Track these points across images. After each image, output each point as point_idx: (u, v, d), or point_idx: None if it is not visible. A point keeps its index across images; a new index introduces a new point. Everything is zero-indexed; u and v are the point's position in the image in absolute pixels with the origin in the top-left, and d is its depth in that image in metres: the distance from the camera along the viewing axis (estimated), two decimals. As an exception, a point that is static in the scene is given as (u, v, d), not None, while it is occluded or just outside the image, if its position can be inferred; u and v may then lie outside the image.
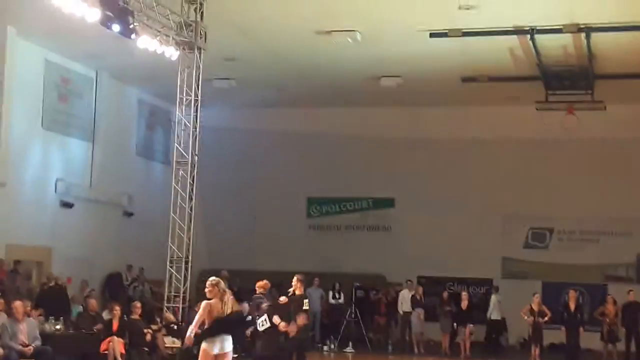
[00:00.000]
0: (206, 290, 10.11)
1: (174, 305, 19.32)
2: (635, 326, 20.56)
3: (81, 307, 17.84)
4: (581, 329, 20.41)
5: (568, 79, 20.76)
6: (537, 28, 17.64)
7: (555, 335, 22.86)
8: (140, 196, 23.72)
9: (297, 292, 13.11)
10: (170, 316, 18.29)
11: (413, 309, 22.34)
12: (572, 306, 20.65)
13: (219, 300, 10.01)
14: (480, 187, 25.32)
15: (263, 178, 26.80)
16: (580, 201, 24.60)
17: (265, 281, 15.27)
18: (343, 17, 17.81)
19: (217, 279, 10.20)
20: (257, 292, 15.15)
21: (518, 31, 18.07)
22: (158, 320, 17.88)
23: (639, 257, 24.56)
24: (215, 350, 9.89)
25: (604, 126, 23.81)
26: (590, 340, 21.20)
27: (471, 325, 21.52)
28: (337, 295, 23.27)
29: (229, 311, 9.92)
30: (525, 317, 20.95)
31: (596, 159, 24.65)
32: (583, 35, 17.71)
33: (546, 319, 20.92)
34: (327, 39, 18.54)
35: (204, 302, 10.16)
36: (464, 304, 21.67)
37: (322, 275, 23.79)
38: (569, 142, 24.16)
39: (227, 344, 9.98)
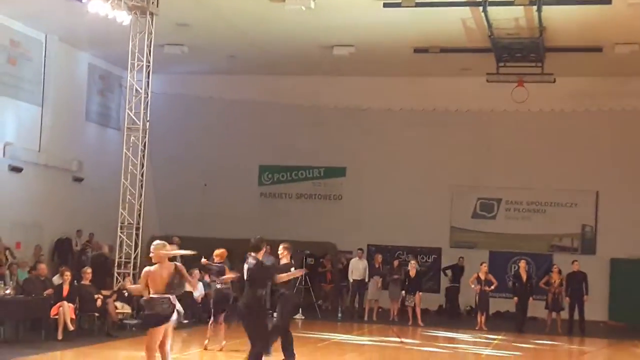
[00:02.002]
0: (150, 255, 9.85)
1: (124, 271, 19.34)
2: (578, 295, 21.06)
3: (27, 272, 17.65)
4: (531, 298, 20.95)
5: (519, 51, 21.00)
6: (490, 0, 17.80)
7: (502, 304, 23.42)
8: (91, 161, 23.54)
9: (284, 261, 13.16)
10: (128, 283, 18.23)
11: (372, 276, 22.62)
12: (524, 276, 21.10)
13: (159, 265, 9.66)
14: (430, 157, 25.60)
15: (215, 145, 26.74)
16: (527, 172, 25.02)
17: (222, 250, 15.29)
18: (297, -16, 17.76)
19: (160, 242, 9.88)
20: (216, 261, 15.15)
21: (470, 2, 18.22)
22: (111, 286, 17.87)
23: (583, 227, 25.09)
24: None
25: (553, 99, 24.20)
26: (535, 308, 21.70)
27: (420, 292, 21.84)
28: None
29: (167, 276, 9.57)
30: (472, 286, 21.36)
31: (544, 131, 25.05)
32: (534, 8, 17.91)
33: (492, 287, 21.39)
34: (280, 7, 18.48)
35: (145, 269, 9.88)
36: (412, 272, 21.98)
37: (272, 243, 23.83)
38: (518, 114, 24.49)
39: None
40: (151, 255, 9.73)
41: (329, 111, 26.09)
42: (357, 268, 22.85)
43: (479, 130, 25.40)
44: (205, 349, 14.81)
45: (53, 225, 21.97)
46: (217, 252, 15.28)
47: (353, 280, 22.90)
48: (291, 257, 13.68)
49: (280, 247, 13.39)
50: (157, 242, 9.89)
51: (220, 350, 14.65)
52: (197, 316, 19.93)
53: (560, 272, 21.41)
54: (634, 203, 24.28)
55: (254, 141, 26.66)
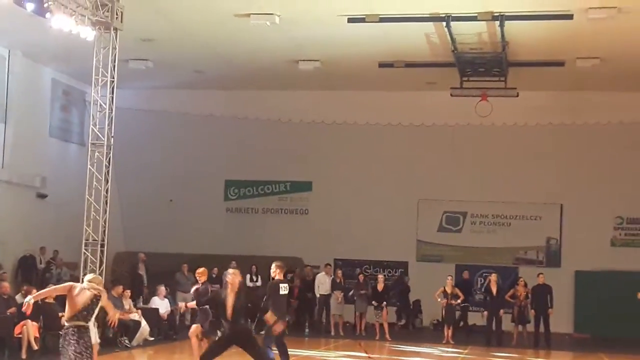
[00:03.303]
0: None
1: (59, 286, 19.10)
2: (543, 308, 21.19)
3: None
4: (502, 311, 21.03)
5: (482, 65, 21.19)
6: (453, 15, 17.94)
7: (468, 317, 23.49)
8: (55, 178, 23.29)
9: (278, 278, 13.24)
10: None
11: (332, 291, 22.61)
12: (494, 290, 21.19)
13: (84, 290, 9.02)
14: (395, 172, 25.69)
15: (180, 160, 26.62)
16: (492, 186, 25.20)
17: (203, 268, 15.16)
18: (262, 0, 17.78)
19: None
20: (200, 280, 15.01)
21: (434, 18, 18.35)
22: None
23: (548, 240, 25.30)
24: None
25: (517, 113, 24.41)
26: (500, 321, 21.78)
27: (387, 307, 21.85)
28: (254, 278, 23.31)
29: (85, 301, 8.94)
30: (439, 300, 21.42)
31: (509, 144, 25.27)
32: (497, 23, 18.09)
33: (459, 301, 21.49)
34: (245, 22, 18.48)
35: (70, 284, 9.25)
36: (380, 286, 22.00)
37: (239, 258, 23.82)
38: (483, 128, 24.68)
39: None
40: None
41: (295, 125, 26.09)
42: (324, 283, 22.84)
43: (444, 144, 25.55)
44: None
45: (16, 243, 21.69)
46: (199, 270, 15.12)
47: (320, 295, 22.88)
48: (284, 275, 13.78)
49: (273, 265, 13.46)
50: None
51: None
52: (162, 333, 19.81)
53: (525, 285, 21.54)
54: (598, 216, 24.56)
55: (220, 156, 26.58)
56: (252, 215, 26.93)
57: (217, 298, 11.40)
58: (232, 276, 11.29)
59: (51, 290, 9.59)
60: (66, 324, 8.93)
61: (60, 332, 9.15)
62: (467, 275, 23.52)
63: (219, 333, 12.78)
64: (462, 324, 22.96)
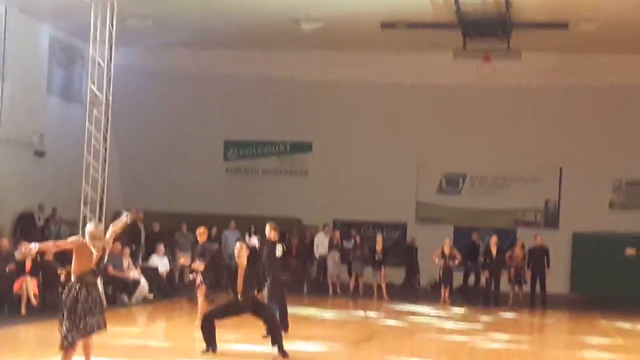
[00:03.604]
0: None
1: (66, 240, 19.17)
2: (540, 270, 21.29)
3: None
4: (502, 272, 21.12)
5: (485, 27, 21.01)
6: (456, -26, 17.77)
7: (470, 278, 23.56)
8: (53, 136, 23.21)
9: (272, 239, 13.38)
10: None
11: (329, 251, 22.68)
12: (494, 251, 21.24)
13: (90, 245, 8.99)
14: (396, 133, 25.63)
15: (179, 120, 26.52)
16: (492, 148, 25.17)
17: (204, 228, 15.04)
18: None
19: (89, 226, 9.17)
20: (200, 241, 14.97)
21: (437, -23, 18.18)
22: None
23: (547, 202, 25.34)
24: None
25: (519, 75, 24.29)
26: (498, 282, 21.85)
27: (384, 267, 21.92)
28: (255, 241, 23.34)
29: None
30: (437, 261, 21.49)
31: (510, 106, 25.20)
32: (501, -18, 17.93)
33: (457, 262, 21.54)
34: (247, -21, 18.30)
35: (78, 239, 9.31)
36: (379, 248, 22.04)
37: (238, 218, 23.87)
38: (484, 90, 24.60)
39: None
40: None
41: (295, 86, 25.97)
42: (323, 243, 22.92)
43: (445, 106, 25.46)
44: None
45: (14, 200, 21.66)
46: (200, 230, 15.04)
47: (319, 255, 22.97)
48: (280, 236, 13.89)
49: (267, 226, 13.57)
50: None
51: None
52: (162, 291, 19.90)
53: (523, 246, 21.61)
54: (596, 178, 24.57)
55: (220, 116, 26.49)
56: (252, 176, 26.91)
57: (229, 270, 11.59)
58: (239, 252, 11.56)
59: (60, 244, 9.60)
60: (74, 278, 8.90)
61: (66, 286, 9.14)
62: (476, 237, 23.19)
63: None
64: (471, 283, 22.84)
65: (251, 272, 11.64)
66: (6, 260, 16.15)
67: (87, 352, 9.21)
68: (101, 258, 8.98)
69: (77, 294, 8.79)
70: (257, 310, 11.52)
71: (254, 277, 11.71)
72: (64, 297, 8.93)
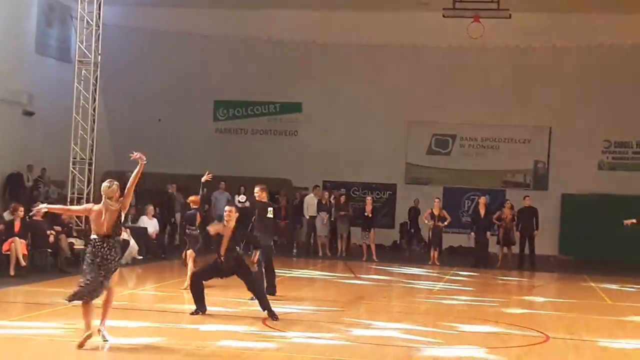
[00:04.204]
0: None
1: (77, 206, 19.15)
2: (529, 231, 21.36)
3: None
4: (488, 233, 21.19)
5: (475, -15, 20.89)
6: None
7: (455, 239, 23.72)
8: (42, 95, 23.04)
9: (262, 200, 13.39)
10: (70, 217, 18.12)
11: (318, 212, 22.69)
12: (482, 212, 21.30)
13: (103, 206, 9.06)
14: (386, 93, 25.56)
15: (169, 80, 26.36)
16: (482, 108, 25.15)
17: (195, 197, 15.12)
18: None
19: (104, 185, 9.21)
20: (191, 207, 15.05)
21: None
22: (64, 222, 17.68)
23: (536, 164, 25.39)
24: None
25: (508, 34, 24.20)
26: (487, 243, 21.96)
27: (374, 229, 21.98)
28: (242, 199, 23.34)
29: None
30: (426, 222, 21.56)
31: (500, 67, 25.14)
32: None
33: (446, 223, 21.59)
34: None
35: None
36: (368, 209, 22.06)
37: (228, 179, 23.82)
38: (474, 50, 24.49)
39: None
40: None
41: (285, 46, 25.82)
42: (312, 205, 22.92)
43: (434, 66, 25.38)
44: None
45: (3, 160, 21.57)
46: (191, 198, 15.21)
47: (309, 216, 22.99)
48: (269, 197, 13.89)
49: (257, 188, 13.53)
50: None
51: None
52: (151, 252, 19.90)
53: (512, 207, 21.67)
54: (585, 140, 24.62)
55: (209, 76, 26.32)
56: (241, 136, 26.84)
57: (214, 235, 11.65)
58: (229, 216, 11.58)
59: (68, 210, 9.63)
60: (94, 236, 9.00)
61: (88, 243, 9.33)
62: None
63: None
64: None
65: (237, 234, 11.63)
66: (-6, 221, 16.10)
67: (104, 308, 9.37)
68: (117, 220, 9.02)
69: (89, 254, 8.99)
70: (241, 273, 11.54)
71: (240, 240, 11.70)
72: (87, 256, 9.10)
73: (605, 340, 11.18)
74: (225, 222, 11.66)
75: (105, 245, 8.93)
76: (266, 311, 11.39)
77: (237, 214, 11.80)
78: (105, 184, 9.16)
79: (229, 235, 11.49)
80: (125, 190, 9.23)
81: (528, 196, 22.02)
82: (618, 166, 24.86)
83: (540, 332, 11.43)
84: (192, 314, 11.47)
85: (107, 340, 9.22)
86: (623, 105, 24.44)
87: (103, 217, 8.93)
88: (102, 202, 9.05)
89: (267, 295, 12.58)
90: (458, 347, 10.13)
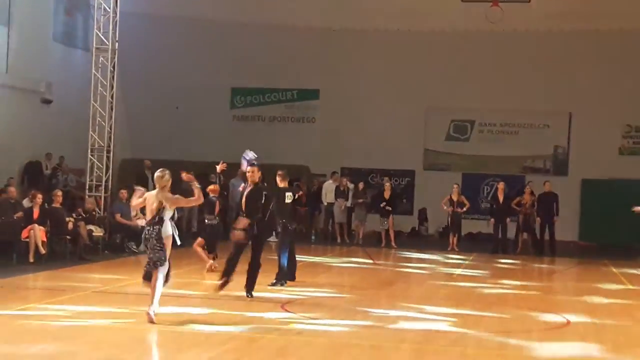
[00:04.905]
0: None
1: (96, 194, 19.23)
2: (549, 216, 21.18)
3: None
4: (508, 219, 21.05)
5: (494, -30, 20.72)
6: None
7: (474, 225, 23.60)
8: (59, 83, 23.03)
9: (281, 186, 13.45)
10: (90, 204, 18.17)
11: (336, 199, 22.62)
12: (501, 198, 21.16)
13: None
14: (404, 79, 25.41)
15: (186, 67, 26.30)
16: (501, 94, 24.95)
17: (216, 185, 15.29)
18: None
19: (157, 174, 9.90)
20: (210, 196, 15.13)
21: None
22: (80, 209, 17.72)
23: (556, 149, 25.19)
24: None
25: (528, 19, 24.00)
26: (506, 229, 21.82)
27: (392, 215, 21.88)
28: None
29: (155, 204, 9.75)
30: (445, 207, 21.44)
31: (518, 52, 24.92)
32: None
33: (465, 209, 21.47)
34: None
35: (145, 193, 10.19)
36: (387, 194, 21.95)
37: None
38: (493, 35, 24.31)
39: None
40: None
41: (301, 32, 25.71)
42: (331, 191, 22.85)
43: (453, 51, 25.20)
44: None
45: (22, 149, 21.61)
46: (211, 187, 15.34)
47: (327, 203, 22.93)
48: (289, 184, 13.87)
49: (277, 176, 13.56)
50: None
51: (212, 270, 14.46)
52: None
53: (532, 193, 21.50)
54: (606, 124, 24.38)
55: (227, 63, 26.27)
56: (259, 124, 26.80)
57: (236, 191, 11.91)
58: (252, 174, 11.85)
59: (136, 203, 10.36)
60: (144, 222, 10.11)
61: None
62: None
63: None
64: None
65: (255, 194, 11.70)
66: (14, 208, 16.15)
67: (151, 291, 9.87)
68: (159, 209, 9.71)
69: (147, 238, 9.81)
70: (255, 243, 11.61)
71: (259, 199, 11.73)
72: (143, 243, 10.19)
73: (626, 323, 11.08)
74: (249, 180, 11.77)
75: (151, 230, 9.72)
76: (247, 291, 11.60)
77: (260, 173, 11.84)
78: (157, 174, 9.84)
79: (249, 192, 11.64)
80: (178, 199, 10.03)
81: (548, 181, 21.82)
82: (639, 151, 24.62)
83: (561, 316, 11.34)
84: (216, 289, 11.55)
85: (153, 322, 9.55)
86: (644, 90, 24.17)
87: (153, 205, 9.72)
88: (155, 191, 9.79)
89: (288, 282, 12.69)
90: (477, 331, 10.05)
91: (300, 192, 14.13)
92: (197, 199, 10.25)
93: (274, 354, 8.64)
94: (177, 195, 10.01)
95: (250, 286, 11.79)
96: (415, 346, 9.17)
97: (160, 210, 9.69)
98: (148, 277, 9.89)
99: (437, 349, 9.10)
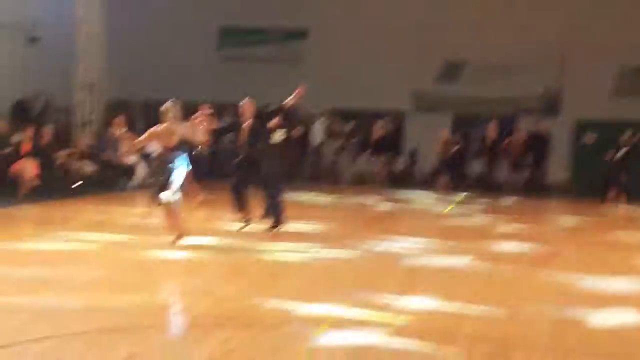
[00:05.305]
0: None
1: (84, 130, 19.14)
2: (540, 156, 21.18)
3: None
4: (499, 159, 21.03)
5: None
6: None
7: (465, 166, 23.54)
8: (46, 20, 22.69)
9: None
10: (85, 140, 18.09)
11: (326, 140, 22.55)
12: (492, 137, 21.09)
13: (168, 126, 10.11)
14: (394, 18, 25.12)
15: (173, 6, 25.93)
16: (494, 33, 24.68)
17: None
18: None
19: (168, 105, 10.30)
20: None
21: None
22: (74, 145, 17.66)
23: (549, 89, 25.06)
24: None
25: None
26: (497, 170, 21.85)
27: (384, 155, 21.89)
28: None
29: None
30: (436, 149, 21.39)
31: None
32: None
33: (456, 149, 21.42)
34: None
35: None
36: (378, 134, 21.88)
37: (233, 108, 23.54)
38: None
39: None
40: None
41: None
42: (320, 132, 22.77)
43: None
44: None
45: (9, 88, 21.37)
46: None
47: (316, 144, 22.85)
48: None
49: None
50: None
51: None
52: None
53: (523, 132, 21.46)
54: (600, 64, 24.16)
55: (214, 1, 25.90)
56: (246, 64, 26.52)
57: (235, 126, 11.94)
58: (245, 107, 11.76)
59: (150, 134, 10.23)
60: (155, 154, 10.53)
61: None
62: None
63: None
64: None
65: (256, 126, 11.58)
66: (4, 143, 16.02)
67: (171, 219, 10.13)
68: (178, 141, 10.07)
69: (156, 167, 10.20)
70: (262, 168, 11.49)
71: (260, 129, 11.64)
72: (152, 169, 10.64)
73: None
74: (245, 115, 11.69)
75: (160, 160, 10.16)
76: (271, 219, 11.45)
77: (253, 107, 11.71)
78: (169, 104, 10.30)
79: (248, 126, 11.55)
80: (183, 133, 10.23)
81: (540, 122, 21.75)
82: (634, 91, 24.49)
83: (548, 246, 11.42)
84: (239, 229, 11.43)
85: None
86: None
87: (171, 135, 10.03)
88: (164, 124, 10.11)
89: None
90: (467, 260, 10.06)
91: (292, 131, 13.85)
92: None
93: (270, 273, 8.69)
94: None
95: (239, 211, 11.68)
96: (405, 271, 9.21)
97: (179, 140, 10.04)
98: (156, 201, 10.06)
99: (430, 273, 9.15)
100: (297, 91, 11.97)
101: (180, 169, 9.99)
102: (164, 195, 9.90)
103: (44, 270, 8.32)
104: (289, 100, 11.96)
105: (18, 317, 6.29)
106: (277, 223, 11.64)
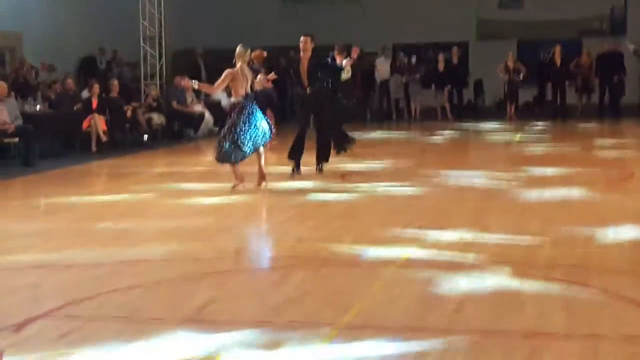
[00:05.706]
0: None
1: (151, 82, 19.39)
2: (608, 76, 20.65)
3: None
4: (567, 83, 20.59)
5: None
6: None
7: (532, 94, 23.19)
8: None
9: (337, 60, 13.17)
10: (154, 91, 18.35)
11: (392, 75, 22.38)
12: (558, 61, 20.62)
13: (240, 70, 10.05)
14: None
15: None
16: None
17: (259, 50, 14.74)
18: None
19: (240, 50, 10.22)
20: (254, 63, 14.78)
21: None
22: (148, 97, 17.95)
23: (612, 9, 24.38)
24: None
25: None
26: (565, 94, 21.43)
27: (448, 87, 21.68)
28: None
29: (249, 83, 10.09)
30: (501, 75, 21.07)
31: None
32: None
33: (522, 75, 21.02)
34: None
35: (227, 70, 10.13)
36: (441, 67, 21.66)
37: (296, 50, 23.53)
38: None
39: None
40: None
41: None
42: (384, 68, 22.58)
43: None
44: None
45: (74, 45, 21.63)
46: (255, 53, 14.67)
47: (380, 80, 22.70)
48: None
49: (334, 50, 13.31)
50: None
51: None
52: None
53: (589, 54, 20.94)
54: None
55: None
56: (307, 6, 26.41)
57: (293, 64, 11.72)
58: (304, 45, 11.51)
59: (218, 84, 10.29)
60: (234, 99, 10.10)
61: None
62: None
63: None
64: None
65: (316, 63, 11.42)
66: (73, 100, 16.36)
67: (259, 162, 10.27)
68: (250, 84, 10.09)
69: (235, 116, 9.91)
70: (326, 107, 11.40)
71: (320, 67, 11.49)
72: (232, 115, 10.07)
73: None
74: (301, 51, 11.48)
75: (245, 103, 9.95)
76: (320, 165, 11.43)
77: (313, 44, 11.53)
78: (240, 49, 10.18)
79: (306, 65, 11.34)
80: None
81: (606, 42, 21.20)
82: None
83: (625, 170, 11.25)
84: (290, 176, 11.42)
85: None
86: None
87: (242, 80, 9.97)
88: (238, 67, 10.02)
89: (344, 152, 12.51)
90: (540, 189, 10.00)
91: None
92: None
93: (341, 213, 8.81)
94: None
95: (319, 159, 11.68)
96: (477, 204, 9.22)
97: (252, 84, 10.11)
98: (224, 158, 10.01)
99: (502, 203, 9.15)
100: (353, 50, 11.95)
101: (256, 114, 9.96)
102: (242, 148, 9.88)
103: (121, 222, 8.54)
104: (347, 63, 11.97)
105: (101, 269, 6.53)
106: (342, 149, 11.71)
